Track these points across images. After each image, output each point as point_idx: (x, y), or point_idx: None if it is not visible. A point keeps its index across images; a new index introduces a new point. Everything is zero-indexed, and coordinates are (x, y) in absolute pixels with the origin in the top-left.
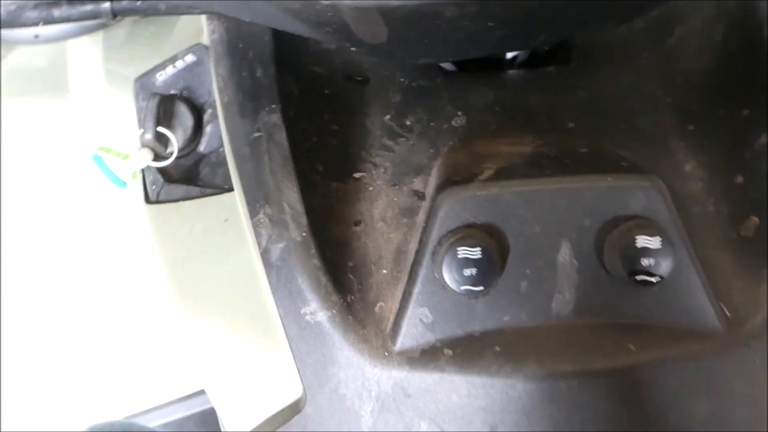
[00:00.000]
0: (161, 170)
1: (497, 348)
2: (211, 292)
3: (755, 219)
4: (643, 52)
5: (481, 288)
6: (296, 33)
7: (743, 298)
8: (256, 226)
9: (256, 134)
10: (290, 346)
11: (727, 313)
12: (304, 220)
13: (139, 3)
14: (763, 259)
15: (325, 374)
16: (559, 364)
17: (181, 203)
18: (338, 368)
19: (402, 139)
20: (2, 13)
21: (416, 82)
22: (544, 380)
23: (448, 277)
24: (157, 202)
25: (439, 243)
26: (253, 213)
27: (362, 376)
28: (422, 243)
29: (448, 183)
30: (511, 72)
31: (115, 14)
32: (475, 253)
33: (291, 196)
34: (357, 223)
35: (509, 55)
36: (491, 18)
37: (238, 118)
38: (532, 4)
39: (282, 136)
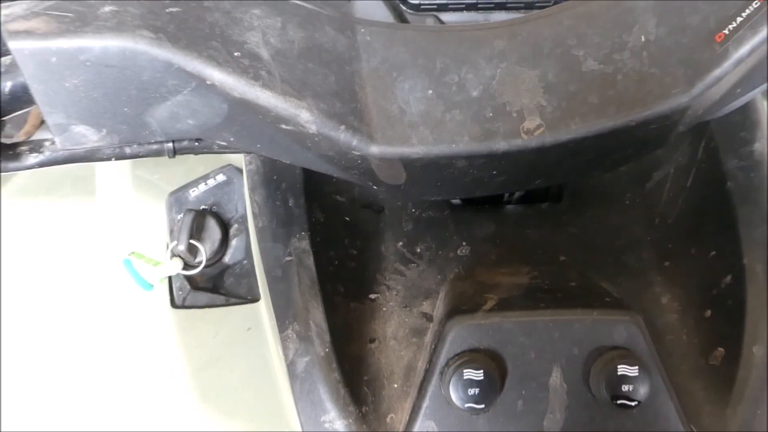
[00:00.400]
0: (188, 278)
1: None
2: (232, 396)
3: (721, 350)
4: (626, 193)
5: (482, 406)
6: (327, 173)
7: (711, 420)
8: (284, 341)
9: (288, 258)
10: None
11: None
12: (327, 337)
13: (196, 144)
14: (728, 386)
15: None
16: None
17: (207, 310)
18: None
19: (413, 264)
20: (82, 150)
21: (426, 213)
22: None
23: (454, 394)
24: (183, 307)
25: (447, 364)
26: (282, 328)
27: None
28: (431, 363)
29: (455, 311)
30: (509, 207)
31: (176, 153)
32: (479, 375)
33: (317, 315)
34: (372, 341)
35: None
36: (495, 168)
37: (271, 243)
38: (529, 159)
39: (310, 261)
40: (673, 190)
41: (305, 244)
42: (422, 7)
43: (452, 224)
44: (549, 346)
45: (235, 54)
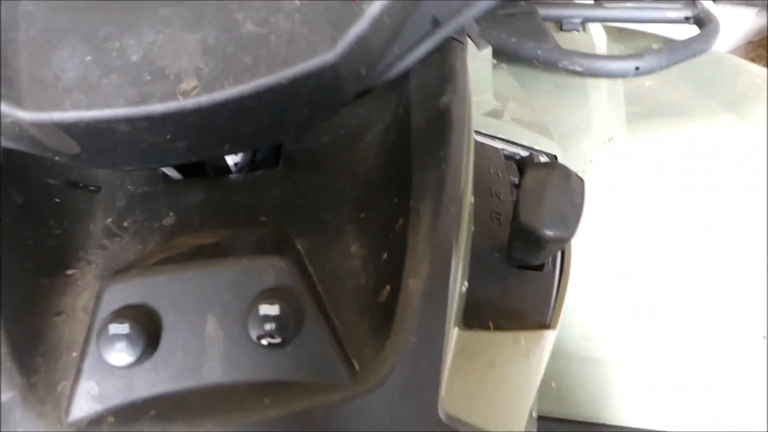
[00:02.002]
0: None
1: (152, 412)
2: None
3: (388, 287)
4: (339, 155)
5: (132, 360)
6: (5, 146)
7: (372, 353)
8: None
9: None
10: None
11: (356, 367)
12: None
13: None
14: (390, 319)
15: None
16: (203, 423)
17: None
18: None
19: (117, 238)
20: None
21: (141, 189)
22: None
23: (104, 352)
24: None
25: (101, 324)
26: None
27: None
28: (90, 324)
29: (116, 272)
30: (225, 177)
31: None
32: (124, 329)
33: None
34: (59, 314)
35: (230, 161)
36: (166, 132)
37: None
38: (196, 121)
39: None
40: (377, 148)
41: None
42: None
43: (164, 197)
44: (202, 296)
45: None
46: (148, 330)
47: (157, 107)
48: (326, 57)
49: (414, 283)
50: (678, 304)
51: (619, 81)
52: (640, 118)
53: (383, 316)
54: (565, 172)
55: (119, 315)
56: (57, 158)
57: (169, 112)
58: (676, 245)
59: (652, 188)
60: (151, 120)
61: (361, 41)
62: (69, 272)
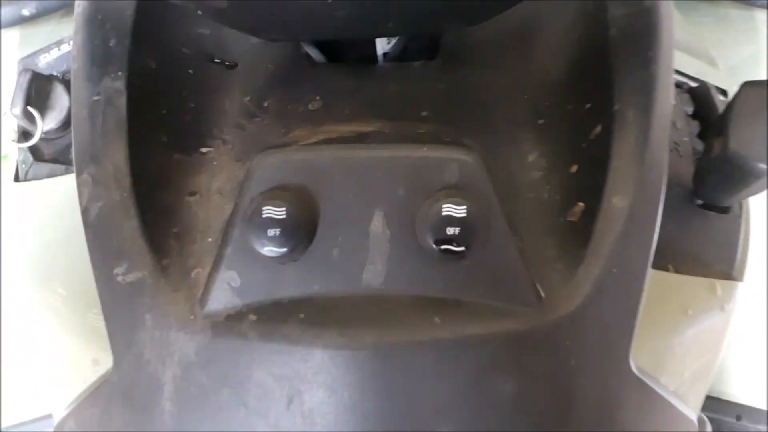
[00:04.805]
0: (32, 150)
1: (302, 315)
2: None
3: (581, 205)
4: (507, 53)
5: (285, 250)
6: None
7: (561, 280)
8: (79, 186)
9: (96, 97)
10: (102, 309)
11: (542, 294)
12: (127, 181)
13: None
14: (584, 242)
15: (132, 338)
16: (359, 335)
17: (45, 181)
18: (144, 332)
19: (257, 119)
20: None
21: (283, 69)
22: (342, 350)
23: (253, 237)
24: (26, 180)
25: (250, 204)
26: (79, 172)
27: (167, 341)
28: (236, 205)
29: (268, 148)
30: (376, 65)
31: None
32: (281, 213)
33: (117, 157)
34: (192, 194)
35: (379, 50)
36: None
37: (82, 83)
38: None
39: (121, 102)
40: (557, 48)
41: (119, 84)
42: None
43: (309, 80)
44: (370, 185)
45: None
46: (305, 218)
47: None
48: None
49: (619, 202)
50: None
51: None
52: None
53: (574, 238)
54: None
55: (273, 196)
56: (199, 12)
57: None
58: None
59: None
60: None
61: None
62: (204, 150)
